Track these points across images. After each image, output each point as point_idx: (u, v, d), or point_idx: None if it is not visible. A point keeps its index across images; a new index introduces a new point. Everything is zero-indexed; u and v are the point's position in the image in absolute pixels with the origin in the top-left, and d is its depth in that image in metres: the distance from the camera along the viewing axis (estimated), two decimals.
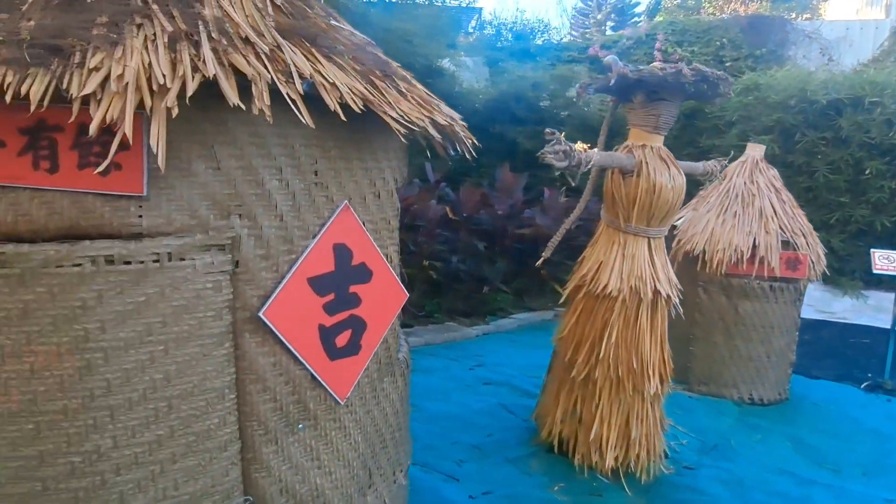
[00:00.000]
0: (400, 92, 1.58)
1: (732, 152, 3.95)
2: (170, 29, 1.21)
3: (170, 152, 1.19)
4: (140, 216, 1.24)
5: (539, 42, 16.11)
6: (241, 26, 1.32)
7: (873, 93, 6.89)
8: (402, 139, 1.57)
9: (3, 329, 1.18)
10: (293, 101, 1.25)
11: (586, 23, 30.78)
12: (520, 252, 5.93)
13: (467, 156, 1.79)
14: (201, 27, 1.26)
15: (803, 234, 3.97)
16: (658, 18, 15.67)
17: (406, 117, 1.48)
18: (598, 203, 3.20)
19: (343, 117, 1.33)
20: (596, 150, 2.65)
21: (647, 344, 2.91)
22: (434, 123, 1.59)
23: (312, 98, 1.31)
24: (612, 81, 2.62)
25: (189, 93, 1.12)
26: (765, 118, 7.34)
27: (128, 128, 1.07)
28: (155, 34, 1.20)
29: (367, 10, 8.67)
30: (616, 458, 2.95)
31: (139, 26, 1.22)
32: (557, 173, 2.53)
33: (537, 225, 5.81)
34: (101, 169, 1.17)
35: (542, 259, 3.07)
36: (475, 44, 12.21)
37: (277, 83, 1.23)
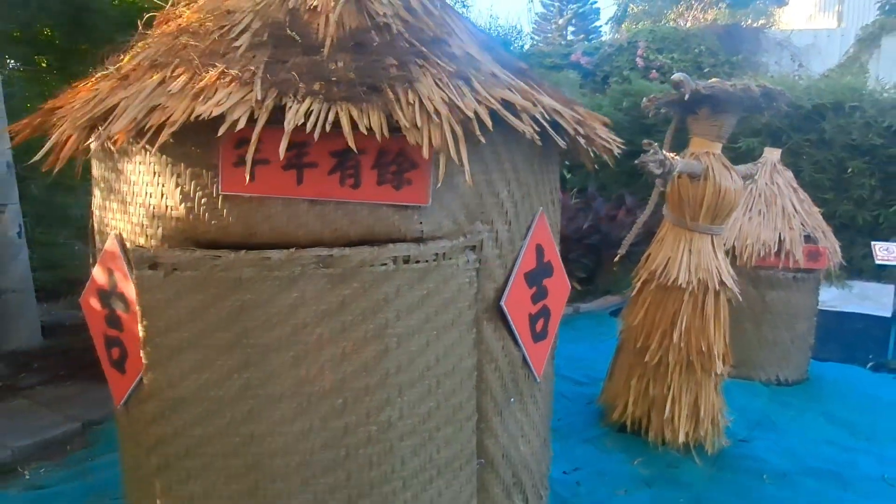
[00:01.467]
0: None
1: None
2: (451, 69, 1.46)
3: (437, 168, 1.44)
4: (420, 223, 1.48)
5: (513, 49, 16.46)
6: (482, 62, 1.58)
7: (853, 97, 7.49)
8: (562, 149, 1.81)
9: (324, 320, 1.41)
10: (540, 128, 1.51)
11: (548, 27, 31.43)
12: None
13: (609, 162, 2.06)
14: (464, 67, 1.51)
15: (822, 230, 4.40)
16: (637, 26, 16.25)
17: (582, 129, 1.74)
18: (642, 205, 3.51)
19: (558, 138, 1.60)
20: (676, 157, 2.97)
21: (712, 330, 3.25)
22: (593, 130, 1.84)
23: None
24: (687, 96, 2.96)
25: (488, 123, 1.37)
26: (754, 122, 7.85)
27: (453, 152, 1.31)
28: (437, 74, 1.45)
29: None
30: (687, 434, 3.28)
31: (421, 67, 1.46)
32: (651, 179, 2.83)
33: None
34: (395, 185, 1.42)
35: (618, 256, 3.38)
36: None
37: (532, 113, 1.50)
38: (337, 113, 1.30)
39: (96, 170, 1.75)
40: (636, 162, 2.69)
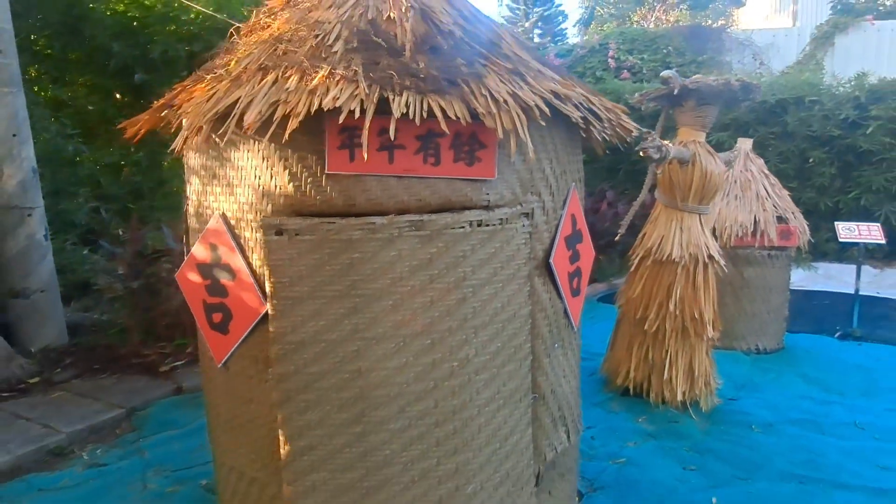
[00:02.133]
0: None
1: None
2: (507, 66, 1.79)
3: (502, 150, 1.77)
4: (487, 193, 1.80)
5: None
6: (529, 61, 1.92)
7: (812, 92, 8.06)
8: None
9: (416, 273, 1.72)
10: (582, 117, 1.85)
11: (515, 30, 31.94)
12: None
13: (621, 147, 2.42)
14: (516, 65, 1.84)
15: (791, 211, 4.85)
16: (604, 28, 16.79)
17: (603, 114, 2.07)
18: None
19: (596, 122, 1.94)
20: (669, 144, 3.35)
21: (703, 299, 3.64)
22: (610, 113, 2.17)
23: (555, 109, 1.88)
24: (676, 90, 3.35)
25: (545, 110, 1.70)
26: (722, 116, 8.37)
27: (521, 133, 1.64)
28: (498, 71, 1.78)
29: None
30: (683, 393, 3.66)
31: (484, 66, 1.79)
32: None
33: None
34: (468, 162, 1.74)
35: (618, 235, 3.75)
36: None
37: (575, 101, 1.83)
38: (429, 103, 1.61)
39: (195, 160, 2.02)
40: (637, 148, 3.06)
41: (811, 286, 7.55)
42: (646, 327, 3.68)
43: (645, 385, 3.77)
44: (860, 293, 5.96)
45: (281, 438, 1.77)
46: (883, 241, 5.53)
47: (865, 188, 7.96)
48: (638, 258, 3.77)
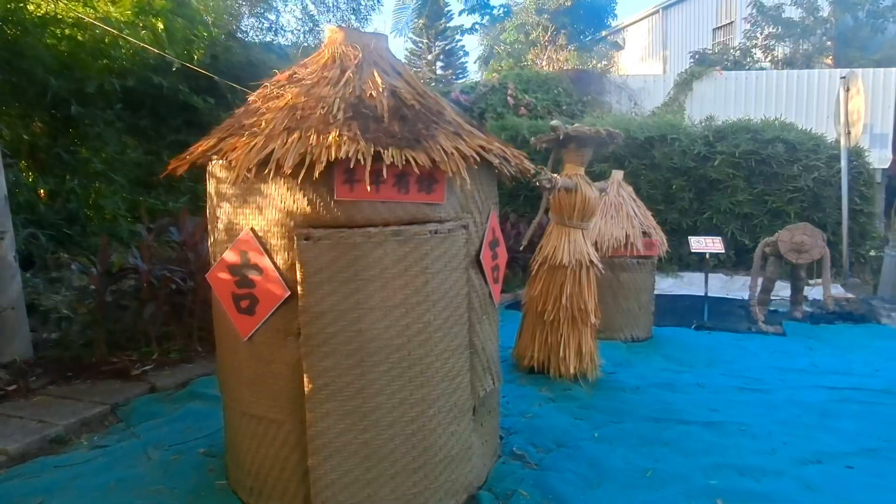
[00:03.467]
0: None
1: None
2: (450, 129, 2.74)
3: (449, 184, 2.71)
4: (439, 213, 2.73)
5: None
6: (463, 124, 2.89)
7: (673, 131, 9.74)
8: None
9: (397, 264, 2.60)
10: (499, 164, 2.84)
11: (418, 63, 33.40)
12: None
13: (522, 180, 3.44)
14: (455, 127, 2.80)
15: (653, 227, 6.17)
16: (502, 65, 18.34)
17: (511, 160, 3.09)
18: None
19: (508, 166, 2.94)
20: (558, 176, 4.46)
21: (587, 294, 4.76)
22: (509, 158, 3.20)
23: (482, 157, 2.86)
24: (561, 136, 4.47)
25: (477, 160, 2.67)
26: (604, 151, 9.87)
27: (463, 173, 2.59)
28: (445, 132, 2.73)
29: (268, 56, 9.90)
30: (575, 368, 4.73)
31: (436, 128, 2.73)
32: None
33: None
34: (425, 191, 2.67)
35: (522, 246, 4.80)
36: None
37: (496, 152, 2.82)
38: (404, 155, 2.53)
39: (229, 191, 2.79)
40: (533, 179, 4.11)
41: (676, 291, 9.10)
42: (545, 318, 4.74)
43: (546, 364, 4.81)
44: (710, 295, 7.44)
45: (305, 380, 2.58)
46: (723, 251, 7.03)
47: (716, 210, 9.69)
48: (537, 264, 4.84)
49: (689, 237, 7.12)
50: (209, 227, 3.02)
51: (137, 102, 8.22)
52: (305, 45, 12.21)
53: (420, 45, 32.93)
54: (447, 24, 31.90)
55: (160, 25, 8.01)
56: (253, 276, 2.71)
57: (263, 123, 2.69)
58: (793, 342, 6.26)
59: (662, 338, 6.38)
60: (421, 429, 2.72)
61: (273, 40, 12.27)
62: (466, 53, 28.60)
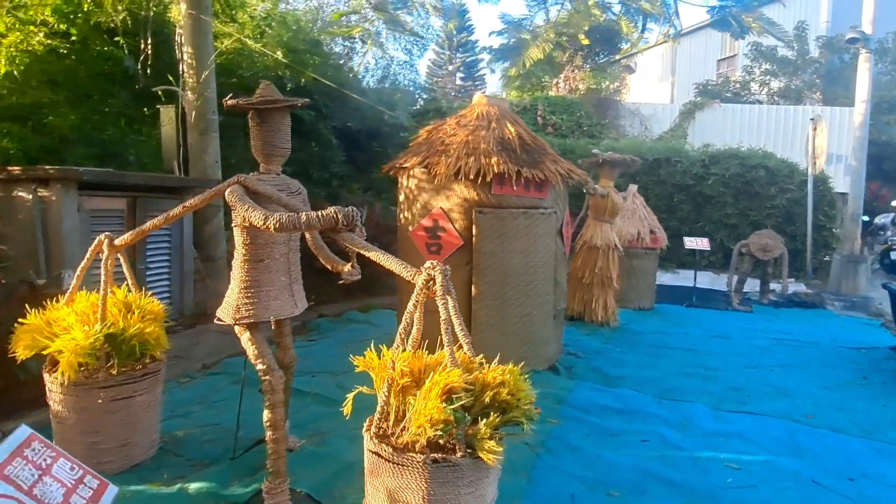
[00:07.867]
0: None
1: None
2: (551, 157, 5.00)
3: (551, 188, 4.96)
4: (545, 204, 4.99)
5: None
6: (555, 155, 5.16)
7: (676, 154, 12.00)
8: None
9: (522, 230, 4.85)
10: (570, 177, 5.11)
11: (440, 73, 35.57)
12: None
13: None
14: (552, 155, 5.08)
15: (658, 227, 8.42)
16: (527, 88, 20.47)
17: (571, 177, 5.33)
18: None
19: (570, 180, 5.21)
20: (598, 186, 6.71)
21: (611, 267, 7.01)
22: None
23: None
24: (600, 160, 6.72)
25: (564, 175, 4.94)
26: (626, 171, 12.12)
27: (558, 183, 4.85)
28: (549, 157, 4.99)
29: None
30: (601, 318, 6.98)
31: (543, 155, 4.99)
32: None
33: None
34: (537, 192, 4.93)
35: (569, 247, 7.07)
36: None
37: (575, 172, 5.09)
38: (530, 171, 4.78)
39: (427, 185, 5.04)
40: (584, 189, 6.35)
41: (674, 283, 11.34)
42: (583, 281, 6.99)
43: (582, 313, 7.06)
44: (698, 286, 9.69)
45: (472, 290, 4.83)
46: (709, 249, 9.32)
47: (708, 220, 11.94)
48: (579, 246, 7.10)
49: (685, 238, 9.39)
50: (403, 206, 5.27)
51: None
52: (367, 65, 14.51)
53: (442, 55, 35.15)
54: (468, 38, 34.11)
55: (279, 53, 10.29)
56: (440, 233, 4.97)
57: (451, 150, 4.95)
58: (757, 317, 8.50)
59: (662, 309, 8.63)
60: (529, 321, 4.97)
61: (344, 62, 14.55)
62: (493, 71, 30.61)
